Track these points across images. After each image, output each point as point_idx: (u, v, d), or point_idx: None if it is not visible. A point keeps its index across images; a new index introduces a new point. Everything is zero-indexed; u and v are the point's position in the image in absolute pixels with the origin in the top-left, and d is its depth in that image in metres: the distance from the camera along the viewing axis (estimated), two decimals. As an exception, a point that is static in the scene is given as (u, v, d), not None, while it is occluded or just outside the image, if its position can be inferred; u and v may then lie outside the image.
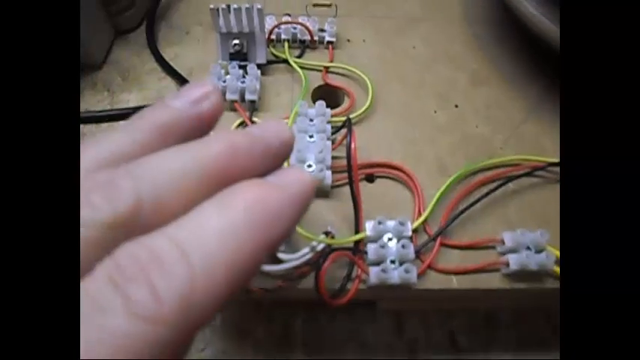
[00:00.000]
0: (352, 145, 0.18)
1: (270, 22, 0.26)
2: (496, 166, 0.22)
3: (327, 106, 0.22)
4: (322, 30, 0.26)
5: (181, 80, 0.32)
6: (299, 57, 0.26)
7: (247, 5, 0.23)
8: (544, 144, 0.24)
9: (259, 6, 0.22)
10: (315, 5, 0.26)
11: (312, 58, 0.26)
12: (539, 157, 0.22)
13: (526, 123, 0.24)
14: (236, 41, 0.24)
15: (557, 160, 0.22)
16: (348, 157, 0.18)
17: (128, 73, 0.34)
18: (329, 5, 0.26)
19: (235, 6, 0.23)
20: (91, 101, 0.32)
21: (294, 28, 0.26)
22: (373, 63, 0.26)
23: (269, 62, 0.25)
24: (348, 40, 0.27)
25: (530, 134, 0.24)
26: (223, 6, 0.23)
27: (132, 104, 0.32)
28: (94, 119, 0.29)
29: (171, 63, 0.34)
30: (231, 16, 0.23)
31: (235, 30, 0.24)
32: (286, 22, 0.25)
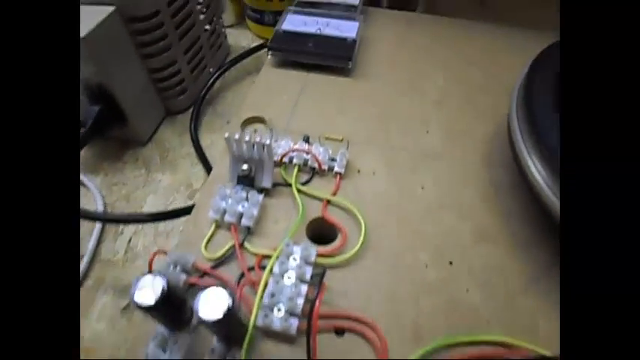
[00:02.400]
0: (317, 304, 0.19)
1: (284, 145, 0.27)
2: (477, 343, 0.21)
3: (322, 241, 0.23)
4: (333, 159, 0.27)
5: (209, 170, 0.35)
6: (306, 182, 0.27)
7: (258, 139, 0.24)
8: (538, 324, 0.22)
9: (267, 142, 0.24)
10: (327, 138, 0.27)
11: (319, 186, 0.27)
12: (530, 343, 0.21)
13: (523, 295, 0.23)
14: (245, 167, 0.25)
15: (550, 353, 0.20)
16: (310, 314, 0.18)
17: (167, 154, 0.37)
18: (340, 140, 0.27)
19: (247, 138, 0.24)
20: (129, 175, 0.36)
21: (307, 154, 0.27)
22: (377, 200, 0.26)
23: (275, 184, 0.26)
24: (359, 171, 0.28)
25: (524, 309, 0.22)
26: (237, 136, 0.24)
27: (162, 185, 0.35)
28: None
29: (206, 150, 0.36)
30: (244, 144, 0.25)
31: (246, 156, 0.25)
32: (297, 150, 0.27)
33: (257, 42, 0.47)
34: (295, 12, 0.37)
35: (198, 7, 0.38)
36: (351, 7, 0.37)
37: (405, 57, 0.35)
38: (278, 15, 0.44)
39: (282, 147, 0.27)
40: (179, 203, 0.33)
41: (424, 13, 0.44)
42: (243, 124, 0.31)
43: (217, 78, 0.40)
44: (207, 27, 0.40)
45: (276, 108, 0.31)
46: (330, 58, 0.33)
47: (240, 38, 0.48)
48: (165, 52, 0.35)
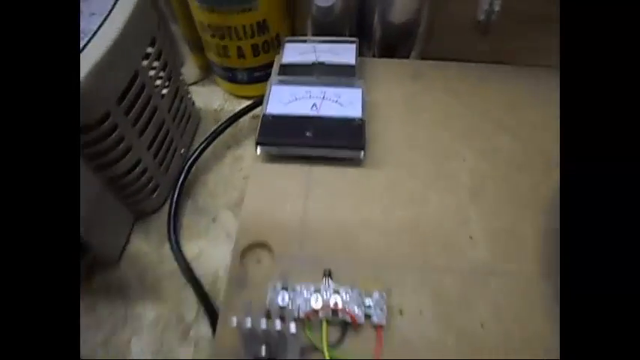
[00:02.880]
0: None
1: (303, 291, 0.21)
2: None
3: None
4: (368, 306, 0.21)
5: (203, 297, 0.28)
6: (339, 342, 0.21)
7: (279, 328, 0.18)
8: None
9: (293, 330, 0.18)
10: (361, 287, 0.22)
11: (356, 344, 0.21)
12: None
13: None
14: (263, 352, 0.19)
15: None
16: None
17: (146, 275, 0.30)
18: (380, 289, 0.21)
19: (264, 326, 0.18)
20: (103, 312, 0.29)
21: (335, 305, 0.21)
22: (433, 356, 0.21)
23: (303, 349, 0.21)
24: (401, 312, 0.22)
25: None
26: (249, 324, 0.18)
27: (146, 321, 0.28)
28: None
29: (194, 263, 0.30)
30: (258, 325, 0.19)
31: (261, 333, 0.19)
32: (324, 308, 0.21)
33: (230, 101, 0.40)
34: (281, 82, 0.30)
35: (157, 83, 0.30)
36: (347, 68, 0.31)
37: (421, 127, 0.29)
38: (254, 71, 0.37)
39: (299, 293, 0.22)
40: (172, 345, 0.27)
41: (421, 56, 0.38)
42: (242, 253, 0.24)
43: (191, 166, 0.33)
44: (171, 101, 0.33)
45: (280, 225, 0.25)
46: (337, 148, 0.27)
47: (210, 98, 0.40)
48: (126, 156, 0.28)
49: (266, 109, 0.28)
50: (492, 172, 0.27)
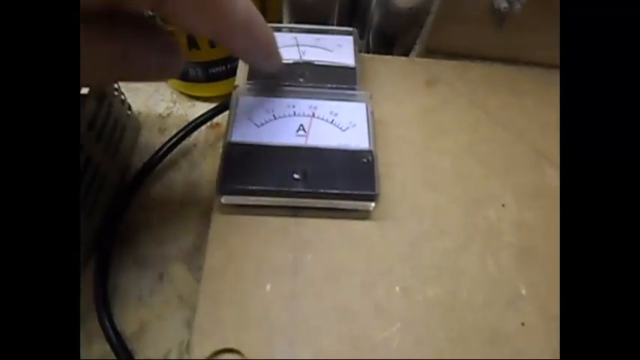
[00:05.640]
0: None
1: None
2: None
3: None
4: None
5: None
6: None
7: None
8: None
9: None
10: None
11: None
12: None
13: None
14: None
15: None
16: None
17: None
18: None
19: None
20: None
21: None
22: None
23: None
24: None
25: None
26: None
27: None
28: None
29: (135, 344, 0.22)
30: None
31: None
32: None
33: (181, 103, 0.30)
34: (251, 92, 0.21)
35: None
36: (345, 72, 0.22)
37: (444, 158, 0.22)
38: (211, 66, 0.27)
39: None
40: None
41: (425, 51, 0.30)
42: (201, 364, 0.16)
43: (127, 203, 0.24)
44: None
45: (257, 320, 0.17)
46: (339, 197, 0.19)
47: (154, 99, 0.30)
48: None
49: (231, 134, 0.19)
50: (540, 226, 0.20)
